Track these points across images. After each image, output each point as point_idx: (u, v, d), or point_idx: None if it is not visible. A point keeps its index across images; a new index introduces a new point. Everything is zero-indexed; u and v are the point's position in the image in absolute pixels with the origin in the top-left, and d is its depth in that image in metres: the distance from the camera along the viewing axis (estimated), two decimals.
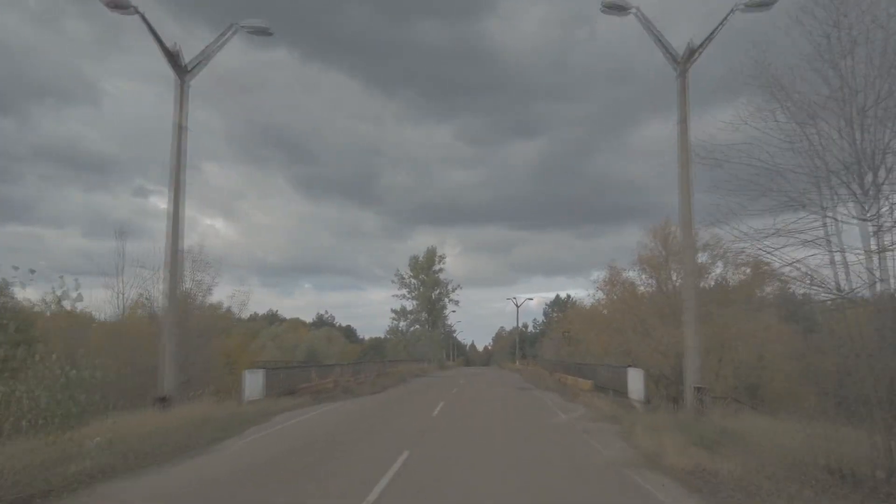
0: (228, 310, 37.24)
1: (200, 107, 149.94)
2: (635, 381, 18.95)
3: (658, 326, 26.33)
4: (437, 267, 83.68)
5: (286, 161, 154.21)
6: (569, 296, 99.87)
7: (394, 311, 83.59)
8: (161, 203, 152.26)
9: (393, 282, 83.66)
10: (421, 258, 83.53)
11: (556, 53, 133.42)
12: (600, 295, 31.74)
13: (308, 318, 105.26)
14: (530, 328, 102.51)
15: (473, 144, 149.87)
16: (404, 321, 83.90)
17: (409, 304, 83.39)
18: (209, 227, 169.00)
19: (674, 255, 27.24)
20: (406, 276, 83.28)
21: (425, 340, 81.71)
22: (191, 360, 23.43)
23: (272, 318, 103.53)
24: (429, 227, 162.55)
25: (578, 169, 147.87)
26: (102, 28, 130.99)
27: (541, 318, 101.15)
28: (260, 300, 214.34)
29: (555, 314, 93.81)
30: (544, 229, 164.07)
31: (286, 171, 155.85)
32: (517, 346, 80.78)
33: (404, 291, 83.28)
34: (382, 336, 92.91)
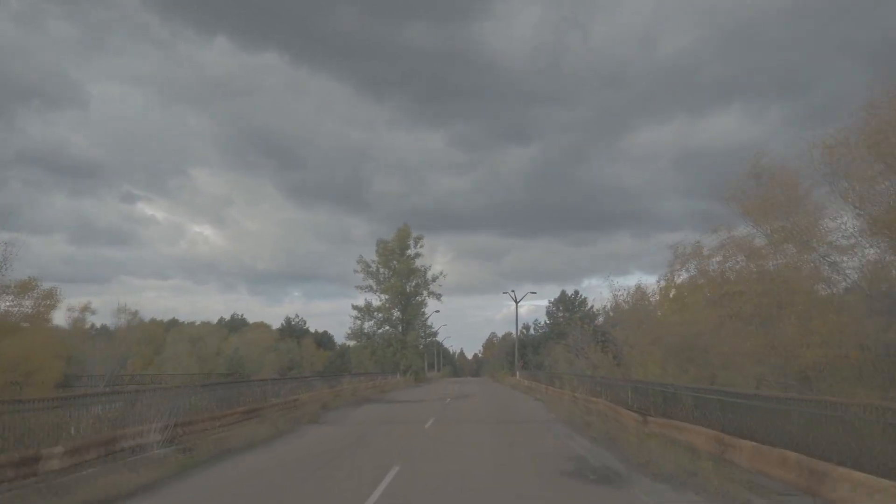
0: None
1: (190, 111, 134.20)
2: None
3: None
4: (412, 251, 64.36)
5: (276, 167, 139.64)
6: (577, 292, 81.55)
7: (356, 307, 63.77)
8: (148, 209, 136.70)
9: (356, 272, 64.13)
10: (390, 240, 64.12)
11: (549, 58, 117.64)
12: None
13: (277, 323, 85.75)
14: (531, 331, 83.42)
15: (465, 150, 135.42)
16: (370, 321, 64.14)
17: (377, 299, 63.81)
18: (198, 235, 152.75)
19: None
20: (372, 264, 63.86)
21: (397, 345, 62.27)
22: None
23: (238, 324, 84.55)
24: (419, 234, 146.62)
25: (570, 175, 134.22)
26: (88, 30, 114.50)
27: (542, 321, 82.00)
28: (246, 308, 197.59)
29: (561, 315, 75.12)
30: (535, 236, 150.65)
31: (275, 177, 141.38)
32: (516, 353, 61.55)
33: (371, 283, 63.83)
34: (349, 342, 73.69)
